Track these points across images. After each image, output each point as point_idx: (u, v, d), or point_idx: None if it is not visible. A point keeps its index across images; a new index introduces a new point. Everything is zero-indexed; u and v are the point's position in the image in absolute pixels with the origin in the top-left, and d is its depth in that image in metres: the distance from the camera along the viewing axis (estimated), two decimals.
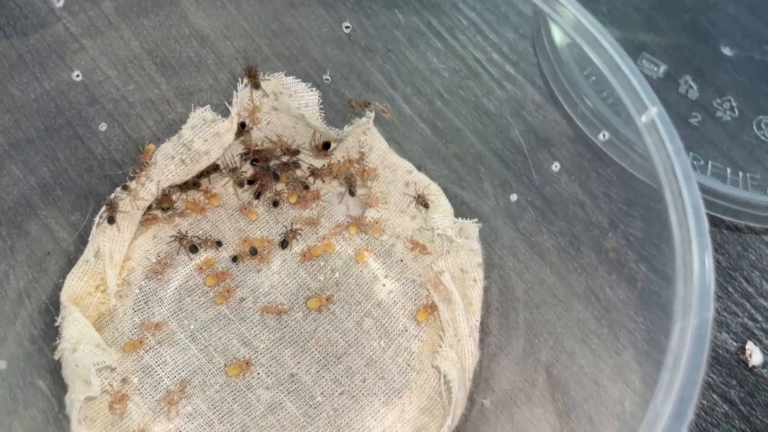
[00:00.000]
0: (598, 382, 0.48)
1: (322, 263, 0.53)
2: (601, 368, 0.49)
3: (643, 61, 0.66)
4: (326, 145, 0.54)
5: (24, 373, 0.46)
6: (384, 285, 0.53)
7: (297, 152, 0.55)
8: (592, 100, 0.57)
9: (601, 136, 0.50)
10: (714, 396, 0.53)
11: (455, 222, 0.53)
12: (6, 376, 0.44)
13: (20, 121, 0.54)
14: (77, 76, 0.53)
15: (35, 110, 0.54)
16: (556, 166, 0.51)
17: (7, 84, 0.54)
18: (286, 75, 0.53)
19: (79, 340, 0.45)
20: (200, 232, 0.53)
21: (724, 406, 0.53)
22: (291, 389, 0.48)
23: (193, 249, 0.52)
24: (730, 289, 0.57)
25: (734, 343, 0.55)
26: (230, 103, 0.53)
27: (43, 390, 0.45)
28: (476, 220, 0.53)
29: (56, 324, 0.47)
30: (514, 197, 0.54)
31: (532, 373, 0.51)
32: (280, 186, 0.55)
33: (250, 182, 0.54)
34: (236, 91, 0.53)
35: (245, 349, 0.49)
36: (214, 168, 0.53)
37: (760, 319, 0.56)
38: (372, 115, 0.54)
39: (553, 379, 0.50)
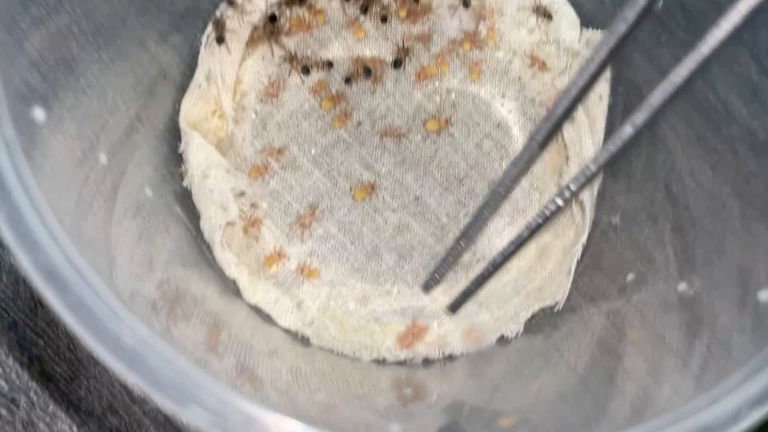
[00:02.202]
0: (716, 197, 0.48)
1: (436, 83, 0.51)
2: (720, 185, 0.47)
3: None
4: None
5: (153, 201, 0.46)
6: (502, 105, 0.51)
7: None
8: None
9: None
10: None
11: (582, 33, 0.49)
12: (143, 203, 0.44)
13: None
14: None
15: None
16: None
17: None
18: None
19: (209, 166, 0.45)
20: (309, 52, 0.50)
21: None
22: (416, 211, 0.48)
23: (305, 70, 0.49)
24: None
25: None
26: None
27: (179, 215, 0.45)
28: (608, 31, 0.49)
29: (179, 151, 0.46)
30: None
31: (651, 191, 0.50)
32: None
33: None
34: None
35: (368, 173, 0.49)
36: None
37: None
38: None
39: (672, 195, 0.49)
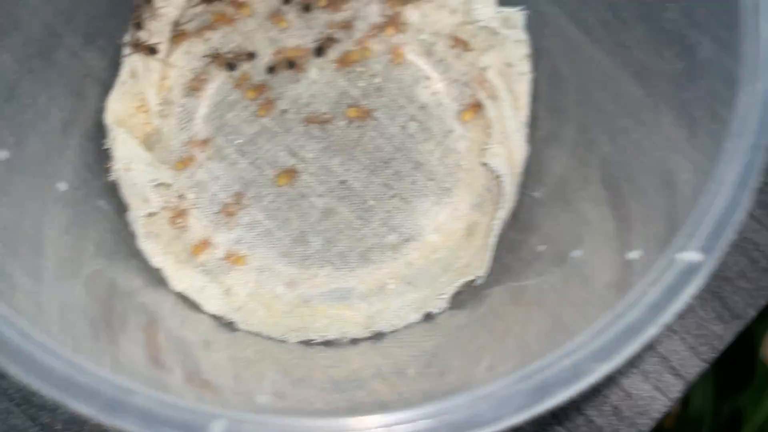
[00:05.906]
0: (651, 154, 0.47)
1: (360, 69, 0.51)
2: (655, 142, 0.47)
3: None
4: None
5: (86, 196, 0.47)
6: (426, 87, 0.51)
7: None
8: None
9: None
10: None
11: (498, 12, 0.50)
12: (68, 199, 0.45)
13: None
14: None
15: None
16: None
17: None
18: None
19: (131, 159, 0.46)
20: (232, 45, 0.51)
21: None
22: (343, 195, 0.49)
23: (231, 67, 0.50)
24: None
25: None
26: None
27: (104, 210, 0.47)
28: (522, 7, 0.49)
29: (105, 147, 0.48)
30: None
31: (584, 154, 0.49)
32: None
33: None
34: None
35: (294, 159, 0.50)
36: None
37: None
38: None
39: (606, 158, 0.49)
